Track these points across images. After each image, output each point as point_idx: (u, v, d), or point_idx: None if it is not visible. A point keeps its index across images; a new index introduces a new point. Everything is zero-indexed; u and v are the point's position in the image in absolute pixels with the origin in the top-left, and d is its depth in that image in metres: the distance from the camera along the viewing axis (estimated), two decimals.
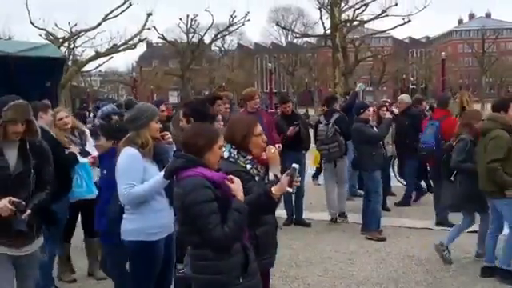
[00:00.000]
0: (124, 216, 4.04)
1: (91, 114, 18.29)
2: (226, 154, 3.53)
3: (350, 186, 9.93)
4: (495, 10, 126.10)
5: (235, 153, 3.56)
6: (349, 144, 8.32)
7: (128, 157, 3.94)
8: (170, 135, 4.71)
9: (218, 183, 3.10)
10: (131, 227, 3.98)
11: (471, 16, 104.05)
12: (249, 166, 3.57)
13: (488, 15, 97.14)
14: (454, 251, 6.39)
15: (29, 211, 3.59)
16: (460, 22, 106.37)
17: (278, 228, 3.94)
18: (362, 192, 8.80)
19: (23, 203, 3.59)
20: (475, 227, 6.36)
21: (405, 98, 9.86)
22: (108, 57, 31.56)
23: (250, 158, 3.59)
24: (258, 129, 3.63)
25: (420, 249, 6.87)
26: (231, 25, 46.94)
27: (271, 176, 3.55)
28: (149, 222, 3.91)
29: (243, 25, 46.94)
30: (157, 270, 4.07)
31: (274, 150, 3.66)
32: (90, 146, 5.74)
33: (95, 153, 5.42)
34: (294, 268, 6.26)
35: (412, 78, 76.92)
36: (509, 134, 5.52)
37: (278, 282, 5.75)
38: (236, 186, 3.13)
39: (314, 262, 6.44)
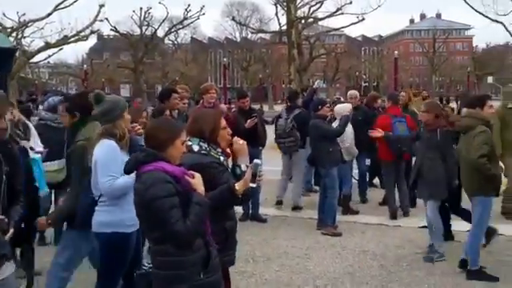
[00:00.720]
0: (98, 208, 3.97)
1: (40, 107, 17.75)
2: (196, 148, 3.52)
3: (305, 182, 10.03)
4: (445, 11, 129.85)
5: (206, 146, 3.54)
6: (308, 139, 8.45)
7: (108, 148, 3.87)
8: (139, 126, 4.64)
9: (179, 178, 3.04)
10: (109, 219, 3.91)
11: (422, 16, 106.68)
12: (222, 158, 3.59)
13: (438, 16, 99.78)
14: (408, 247, 6.51)
15: (12, 230, 3.13)
16: (411, 21, 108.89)
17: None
18: (317, 188, 8.88)
19: (6, 220, 3.11)
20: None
21: (353, 93, 9.96)
22: (58, 48, 30.75)
23: (220, 150, 3.60)
24: (223, 122, 3.64)
25: (375, 244, 6.97)
26: (185, 18, 46.51)
27: (243, 167, 3.57)
28: (126, 213, 3.83)
29: (198, 19, 46.70)
30: (128, 261, 4.04)
31: (242, 142, 3.67)
32: (34, 140, 5.53)
33: (39, 148, 5.24)
34: (251, 263, 6.24)
35: (365, 76, 78.20)
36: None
37: (235, 277, 5.67)
38: (196, 181, 3.08)
39: (271, 258, 6.44)
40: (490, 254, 6.35)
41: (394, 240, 7.14)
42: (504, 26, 29.87)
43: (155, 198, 2.93)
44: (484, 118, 5.75)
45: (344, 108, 8.13)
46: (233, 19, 52.95)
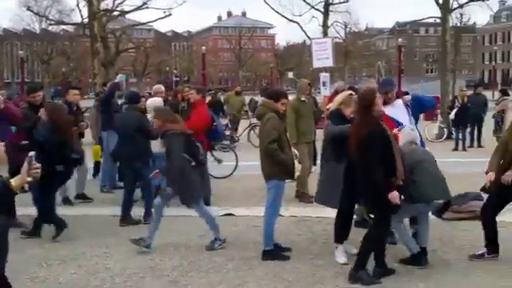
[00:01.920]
0: None
1: None
2: None
3: (110, 178, 9.76)
4: (250, 10, 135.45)
5: None
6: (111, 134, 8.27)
7: None
8: None
9: None
10: None
11: (229, 14, 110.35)
12: None
13: (244, 14, 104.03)
14: (210, 236, 6.61)
15: None
16: (219, 18, 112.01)
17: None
18: (121, 184, 8.65)
19: None
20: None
21: (158, 87, 9.92)
22: None
23: None
24: None
25: (178, 235, 6.97)
26: None
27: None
28: None
29: None
30: None
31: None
32: None
33: None
34: (44, 268, 5.82)
35: (175, 71, 78.67)
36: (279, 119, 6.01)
37: (26, 283, 5.33)
38: None
39: (66, 260, 6.06)
40: (282, 234, 6.71)
41: (197, 230, 7.20)
42: (300, 25, 32.26)
43: None
44: (275, 107, 6.07)
45: (154, 102, 8.29)
46: (28, 9, 49.10)
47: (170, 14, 29.65)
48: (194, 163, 6.31)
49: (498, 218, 5.92)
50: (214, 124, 8.47)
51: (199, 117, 8.21)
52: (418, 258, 5.65)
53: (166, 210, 6.51)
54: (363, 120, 5.28)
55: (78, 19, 30.11)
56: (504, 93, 15.60)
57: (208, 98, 14.90)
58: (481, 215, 6.03)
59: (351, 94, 6.35)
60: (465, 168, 10.88)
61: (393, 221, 5.53)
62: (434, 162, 5.78)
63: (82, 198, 9.07)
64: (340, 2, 32.92)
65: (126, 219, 7.53)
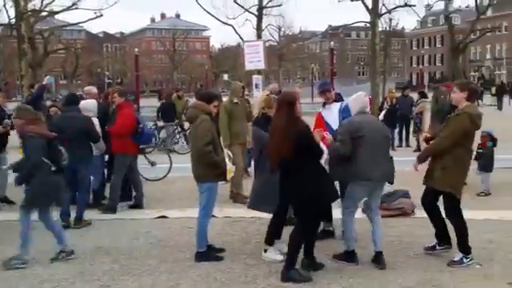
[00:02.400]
0: None
1: None
2: None
3: None
4: (184, 12, 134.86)
5: None
6: None
7: None
8: None
9: None
10: None
11: (163, 16, 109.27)
12: None
13: (178, 16, 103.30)
14: (142, 238, 6.53)
15: None
16: (153, 20, 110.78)
17: None
18: None
19: None
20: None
21: (89, 89, 9.72)
22: None
23: None
24: None
25: (109, 238, 6.85)
26: None
27: None
28: None
29: None
30: None
31: None
32: None
33: None
34: None
35: (107, 72, 77.09)
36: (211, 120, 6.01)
37: None
38: None
39: None
40: (216, 234, 6.77)
41: (129, 233, 7.11)
42: (234, 28, 32.44)
43: None
44: (206, 109, 6.06)
45: (87, 104, 8.20)
46: None
47: (101, 15, 29.14)
48: (54, 168, 5.92)
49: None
50: (140, 126, 8.36)
51: (122, 119, 8.18)
52: (351, 256, 5.77)
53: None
54: (289, 116, 5.25)
55: (4, 20, 28.89)
56: (422, 95, 16.22)
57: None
58: (423, 208, 6.12)
59: (268, 95, 6.43)
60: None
61: (344, 211, 5.66)
62: (380, 137, 5.70)
63: (5, 201, 8.75)
64: (273, 6, 33.32)
65: (80, 220, 7.46)
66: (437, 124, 8.77)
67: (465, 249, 5.69)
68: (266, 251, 5.99)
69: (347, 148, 5.55)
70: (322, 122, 6.76)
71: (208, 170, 5.91)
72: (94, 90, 9.71)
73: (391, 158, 5.86)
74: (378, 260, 5.69)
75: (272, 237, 6.02)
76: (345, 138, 5.58)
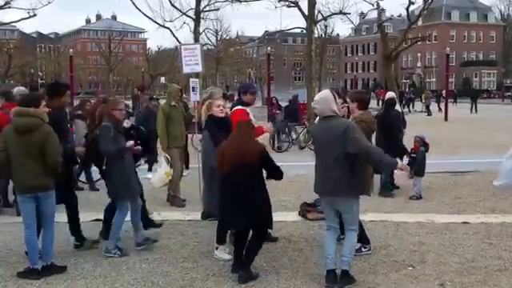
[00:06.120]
0: None
1: None
2: None
3: None
4: (120, 14, 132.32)
5: None
6: None
7: None
8: None
9: None
10: None
11: (98, 17, 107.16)
12: None
13: (114, 17, 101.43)
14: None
15: None
16: (88, 21, 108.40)
17: None
18: None
19: None
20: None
21: (20, 89, 9.48)
22: None
23: None
24: None
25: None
26: None
27: None
28: None
29: None
30: None
31: None
32: None
33: None
34: None
35: (41, 73, 74.82)
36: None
37: None
38: None
39: None
40: (158, 235, 6.81)
41: (63, 235, 6.93)
42: (171, 31, 32.20)
43: None
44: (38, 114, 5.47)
45: None
46: None
47: (35, 15, 28.38)
48: None
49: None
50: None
51: None
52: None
53: None
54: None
55: None
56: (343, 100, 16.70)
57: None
58: None
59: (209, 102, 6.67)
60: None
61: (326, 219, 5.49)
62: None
63: None
64: (211, 10, 33.28)
65: None
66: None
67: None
68: (216, 249, 6.12)
69: None
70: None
71: None
72: (23, 89, 9.43)
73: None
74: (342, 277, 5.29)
75: (223, 236, 6.12)
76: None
